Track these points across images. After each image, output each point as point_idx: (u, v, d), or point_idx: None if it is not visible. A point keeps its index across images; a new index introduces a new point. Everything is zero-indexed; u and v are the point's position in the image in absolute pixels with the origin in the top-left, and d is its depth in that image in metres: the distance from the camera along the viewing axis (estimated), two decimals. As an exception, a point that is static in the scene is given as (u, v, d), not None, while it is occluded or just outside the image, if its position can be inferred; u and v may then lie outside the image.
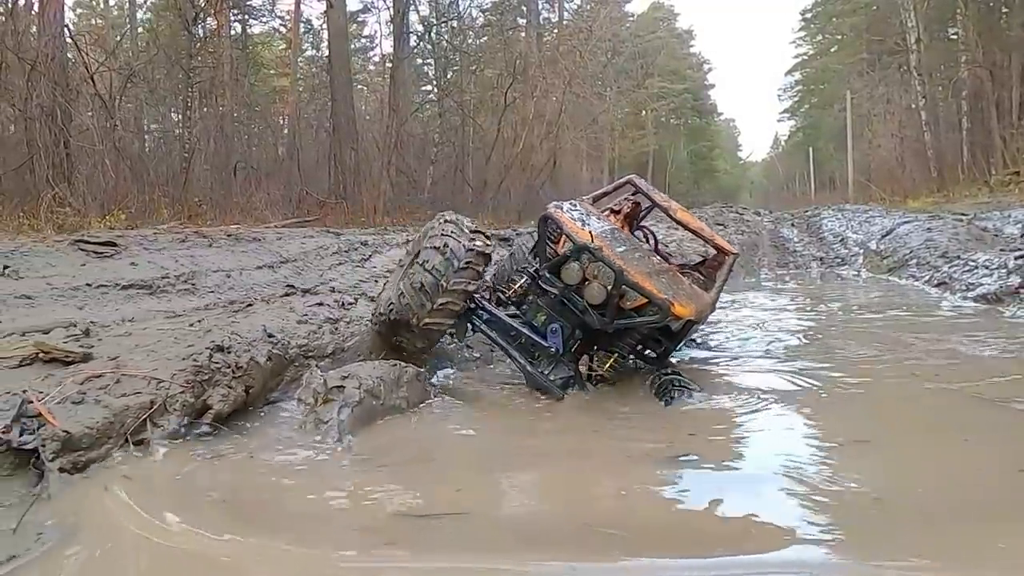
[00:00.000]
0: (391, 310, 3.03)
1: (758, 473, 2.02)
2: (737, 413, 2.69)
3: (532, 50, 25.05)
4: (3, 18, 11.06)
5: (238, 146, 17.00)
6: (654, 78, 43.22)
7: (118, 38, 19.55)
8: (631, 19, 39.91)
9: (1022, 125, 22.09)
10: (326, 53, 26.69)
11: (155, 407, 2.06)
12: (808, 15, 41.80)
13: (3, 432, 1.72)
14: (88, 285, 4.03)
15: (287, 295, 3.86)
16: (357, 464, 2.06)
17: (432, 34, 24.56)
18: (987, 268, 5.27)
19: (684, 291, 3.15)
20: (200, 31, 17.15)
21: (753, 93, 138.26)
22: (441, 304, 2.91)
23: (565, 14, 30.76)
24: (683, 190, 48.21)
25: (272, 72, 29.34)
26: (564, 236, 3.17)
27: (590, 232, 3.04)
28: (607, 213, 3.78)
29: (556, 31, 29.43)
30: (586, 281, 3.01)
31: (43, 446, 1.73)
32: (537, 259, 3.44)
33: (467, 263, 2.93)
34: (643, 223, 4.13)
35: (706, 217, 12.41)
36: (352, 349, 3.12)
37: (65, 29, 12.26)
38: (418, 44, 25.01)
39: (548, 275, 3.11)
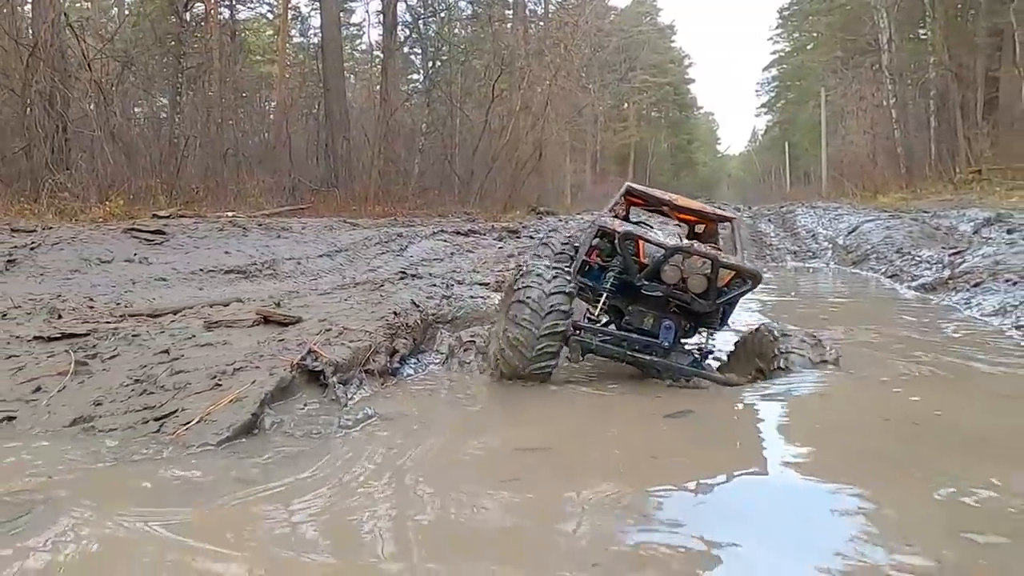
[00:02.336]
0: (499, 364, 3.23)
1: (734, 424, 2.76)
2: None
3: (519, 42, 25.44)
4: (-4, -3, 11.09)
5: (228, 133, 17.14)
6: (637, 72, 43.98)
7: (113, 24, 19.49)
8: (615, 13, 40.48)
9: (984, 126, 23.19)
10: (314, 41, 26.78)
11: (372, 349, 3.03)
12: (786, 12, 42.87)
13: (301, 360, 2.70)
14: (201, 270, 4.76)
15: (402, 279, 4.68)
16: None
17: (420, 24, 24.82)
18: (928, 263, 6.20)
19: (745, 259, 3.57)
20: (189, 17, 17.24)
21: (732, 88, 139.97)
22: (539, 349, 3.10)
23: (551, 7, 31.14)
24: (664, 182, 49.19)
25: (259, 59, 29.24)
26: (645, 245, 3.49)
27: (679, 236, 3.44)
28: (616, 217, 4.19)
29: (542, 24, 29.80)
30: (684, 277, 3.29)
31: (325, 369, 2.68)
32: (602, 274, 3.64)
33: (551, 307, 3.13)
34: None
35: (690, 212, 13.21)
36: (462, 317, 4.03)
37: (63, 15, 12.42)
38: (409, 36, 25.21)
39: (647, 282, 3.37)
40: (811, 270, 9.48)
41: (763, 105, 50.63)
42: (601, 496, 1.91)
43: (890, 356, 3.64)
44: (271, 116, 22.28)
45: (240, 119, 19.52)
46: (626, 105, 45.13)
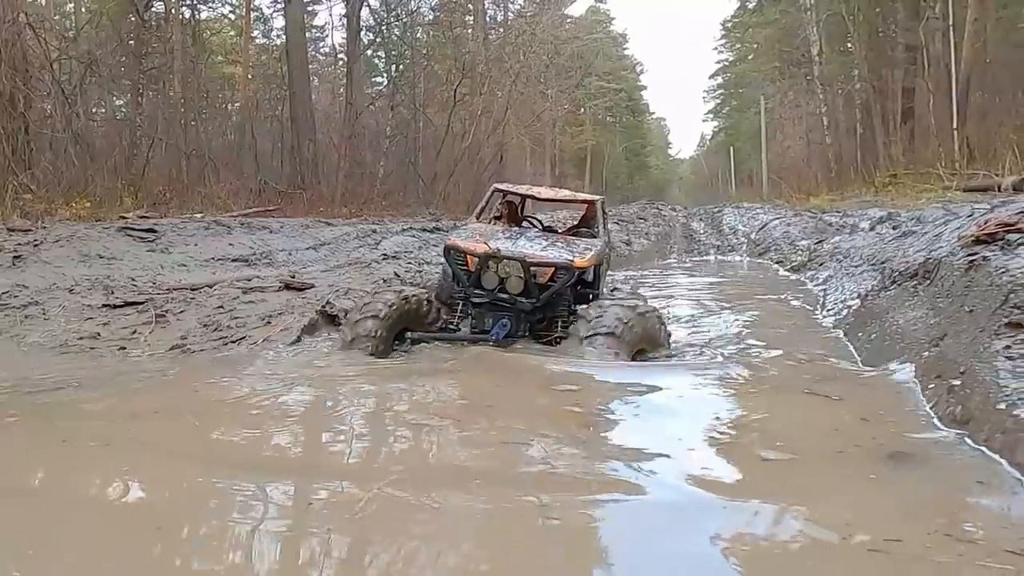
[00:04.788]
0: None
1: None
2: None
3: (480, 48, 26.40)
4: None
5: (192, 134, 17.28)
6: (592, 78, 45.68)
7: (69, 22, 19.45)
8: (571, 21, 42.01)
9: (901, 134, 25.46)
10: (277, 42, 27.12)
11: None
12: (728, 24, 45.24)
13: (323, 308, 3.78)
14: (212, 259, 5.79)
15: (384, 259, 5.84)
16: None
17: (383, 28, 25.46)
18: (802, 250, 7.78)
19: (579, 248, 3.92)
20: (149, 16, 17.31)
21: (682, 94, 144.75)
22: (359, 336, 3.58)
23: (510, 14, 32.19)
24: (619, 184, 51.22)
25: (221, 60, 29.31)
26: (467, 255, 3.73)
27: (486, 243, 3.65)
28: (491, 220, 4.64)
29: (502, 30, 30.79)
30: (502, 280, 3.56)
31: (338, 314, 3.75)
32: (458, 284, 3.92)
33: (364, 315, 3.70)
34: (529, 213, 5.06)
35: (631, 212, 14.74)
36: (431, 285, 5.01)
37: (23, 14, 12.58)
38: (373, 41, 25.81)
39: (474, 290, 3.64)
40: (729, 262, 11.05)
41: (710, 111, 53.15)
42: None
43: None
44: (235, 118, 22.51)
45: (204, 120, 19.65)
46: (582, 110, 46.73)
